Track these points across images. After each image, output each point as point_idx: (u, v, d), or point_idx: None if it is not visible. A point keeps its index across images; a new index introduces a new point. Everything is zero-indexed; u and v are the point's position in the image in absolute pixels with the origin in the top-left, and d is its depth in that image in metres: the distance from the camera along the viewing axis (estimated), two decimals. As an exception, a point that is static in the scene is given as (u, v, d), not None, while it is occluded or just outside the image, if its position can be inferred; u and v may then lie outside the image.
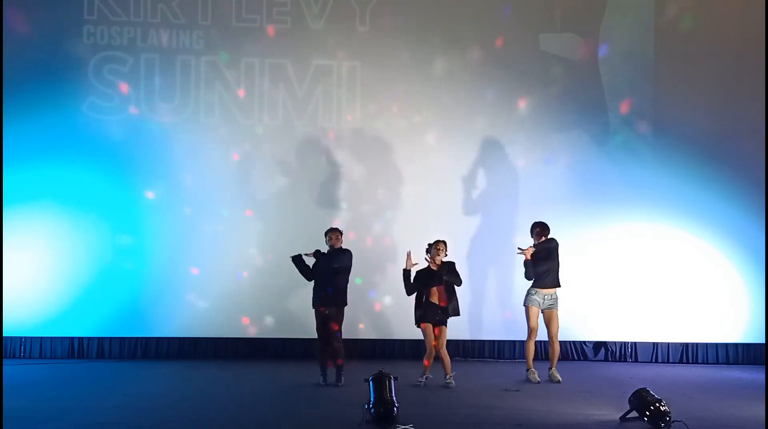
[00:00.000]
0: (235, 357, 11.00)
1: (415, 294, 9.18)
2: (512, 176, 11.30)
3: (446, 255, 9.22)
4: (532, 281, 9.53)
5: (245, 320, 10.97)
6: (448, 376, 9.05)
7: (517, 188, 11.28)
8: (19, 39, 10.75)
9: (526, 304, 9.53)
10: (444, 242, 9.21)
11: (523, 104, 11.30)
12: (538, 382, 9.32)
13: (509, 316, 10.98)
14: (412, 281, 9.14)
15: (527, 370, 9.51)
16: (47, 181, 10.76)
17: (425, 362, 9.07)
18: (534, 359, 9.57)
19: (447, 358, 9.10)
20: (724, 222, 11.27)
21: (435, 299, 9.07)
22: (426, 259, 9.17)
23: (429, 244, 9.22)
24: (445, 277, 9.06)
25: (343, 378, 8.94)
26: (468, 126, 11.26)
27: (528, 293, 9.54)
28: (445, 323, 9.12)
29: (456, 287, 9.15)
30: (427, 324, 9.08)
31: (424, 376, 9.06)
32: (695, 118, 11.40)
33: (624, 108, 11.45)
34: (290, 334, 10.99)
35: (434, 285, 9.08)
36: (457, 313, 9.16)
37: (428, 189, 11.15)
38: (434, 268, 9.15)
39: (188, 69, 11.06)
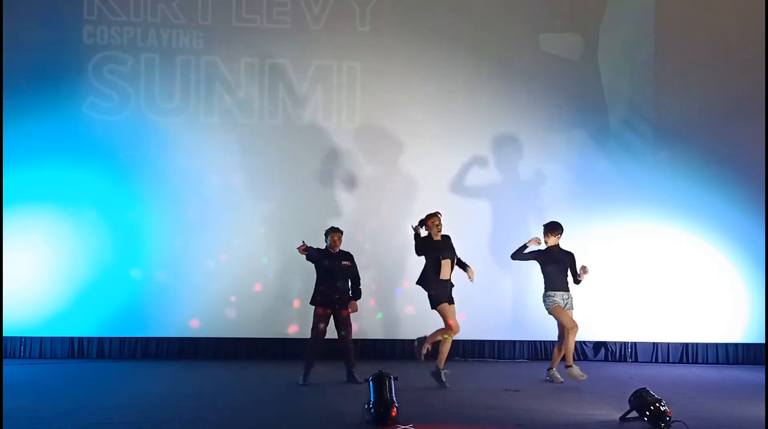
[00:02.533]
0: (235, 357, 11.00)
1: (428, 267, 8.92)
2: (512, 176, 11.29)
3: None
4: (544, 284, 9.46)
5: (245, 320, 10.96)
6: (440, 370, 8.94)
7: (517, 188, 11.27)
8: (19, 39, 10.73)
9: (551, 307, 9.32)
10: (439, 216, 8.98)
11: (523, 104, 11.30)
12: (561, 382, 9.20)
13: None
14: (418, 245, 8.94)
15: (567, 367, 9.23)
16: (47, 181, 10.75)
17: (441, 339, 8.85)
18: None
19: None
20: (724, 222, 11.27)
21: (447, 274, 8.86)
22: (414, 227, 8.95)
23: (428, 216, 9.00)
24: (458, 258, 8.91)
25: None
26: (468, 126, 11.24)
27: (547, 297, 9.39)
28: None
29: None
30: (443, 304, 8.85)
31: (443, 372, 8.84)
32: (695, 118, 11.40)
33: (624, 108, 11.45)
34: (290, 335, 10.99)
35: (446, 256, 8.87)
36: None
37: (428, 189, 11.12)
38: (438, 238, 8.98)
39: (188, 69, 11.07)
